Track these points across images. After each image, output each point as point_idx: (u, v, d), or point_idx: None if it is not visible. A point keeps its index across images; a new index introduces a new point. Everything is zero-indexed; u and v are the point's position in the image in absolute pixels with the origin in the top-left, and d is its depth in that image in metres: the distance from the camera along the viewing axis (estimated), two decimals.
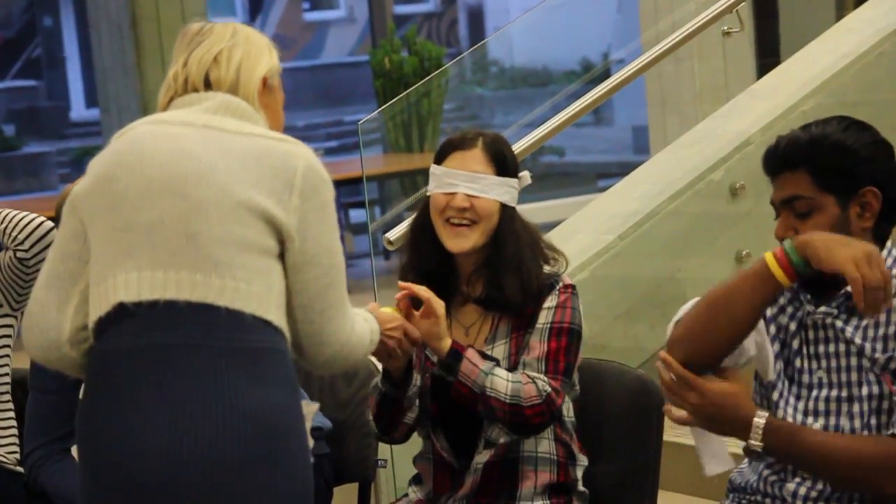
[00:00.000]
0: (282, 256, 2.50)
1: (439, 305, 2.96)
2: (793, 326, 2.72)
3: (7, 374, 3.68)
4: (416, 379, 3.07)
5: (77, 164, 17.20)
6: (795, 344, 2.71)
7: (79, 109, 19.98)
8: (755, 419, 2.58)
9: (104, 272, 2.48)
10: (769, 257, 2.52)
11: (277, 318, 2.48)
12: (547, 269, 3.09)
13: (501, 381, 2.96)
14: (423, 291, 2.96)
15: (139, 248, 2.45)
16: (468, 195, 3.04)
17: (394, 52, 10.84)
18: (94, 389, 2.49)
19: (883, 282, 2.44)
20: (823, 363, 2.67)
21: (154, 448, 2.38)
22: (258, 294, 2.45)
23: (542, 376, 2.98)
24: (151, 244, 2.44)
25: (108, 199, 2.49)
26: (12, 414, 3.68)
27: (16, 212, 3.61)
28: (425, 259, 3.13)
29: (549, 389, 2.97)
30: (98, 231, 2.51)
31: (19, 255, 3.55)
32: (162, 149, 2.49)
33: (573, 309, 3.05)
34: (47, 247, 3.54)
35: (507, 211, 3.06)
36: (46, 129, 19.01)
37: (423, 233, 3.13)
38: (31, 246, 3.55)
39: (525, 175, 3.16)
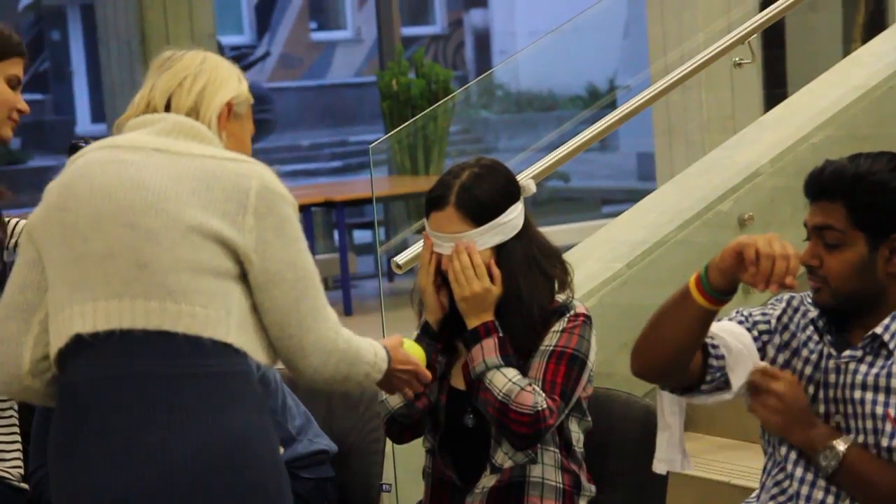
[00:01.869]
0: (244, 277, 2.48)
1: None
2: (808, 370, 2.71)
3: None
4: (425, 402, 3.07)
5: None
6: (811, 389, 2.69)
7: (84, 124, 19.99)
8: (844, 435, 2.62)
9: (61, 303, 2.48)
10: (692, 280, 2.56)
11: (238, 339, 2.46)
12: (560, 297, 3.08)
13: (502, 379, 2.97)
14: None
15: (92, 278, 2.44)
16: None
17: (401, 74, 10.84)
18: (58, 421, 2.49)
19: (784, 253, 2.46)
20: (842, 408, 2.65)
21: (114, 481, 2.38)
22: (215, 318, 2.44)
23: (542, 394, 2.97)
24: (104, 275, 2.44)
25: (60, 229, 2.49)
26: (17, 430, 3.66)
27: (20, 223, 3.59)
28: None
29: (545, 406, 2.95)
30: (53, 261, 2.51)
31: None
32: (110, 178, 2.48)
33: (580, 336, 3.04)
34: None
35: (503, 249, 3.04)
36: (52, 143, 19.01)
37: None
38: None
39: (528, 185, 3.15)
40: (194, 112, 2.59)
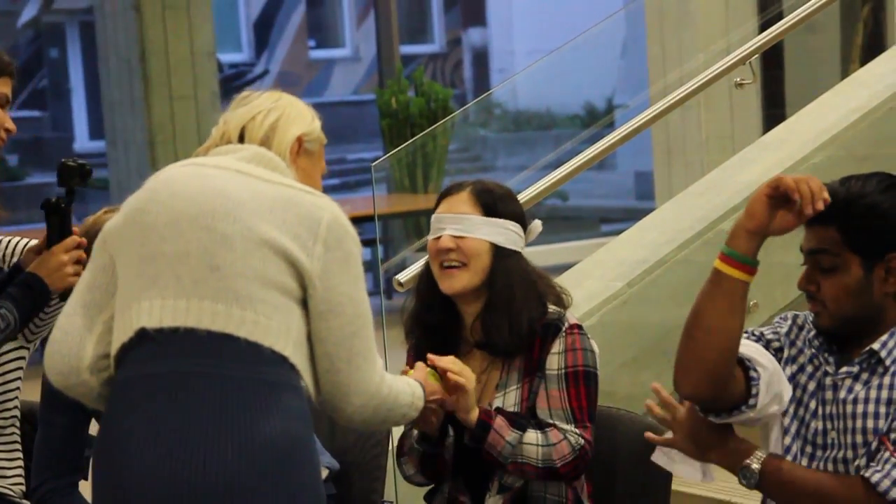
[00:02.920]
0: (304, 303, 2.53)
1: (469, 379, 2.97)
2: (811, 386, 2.72)
3: (16, 407, 3.67)
4: (451, 432, 3.08)
5: (80, 196, 17.18)
6: (813, 404, 2.70)
7: (82, 141, 19.99)
8: (757, 451, 2.64)
9: (129, 300, 2.52)
10: (717, 262, 2.58)
11: (294, 355, 2.50)
12: (552, 309, 3.09)
13: (532, 448, 2.98)
14: (450, 365, 2.96)
15: (163, 277, 2.49)
16: (453, 236, 3.06)
17: (401, 93, 10.87)
18: (113, 415, 2.51)
19: (807, 177, 2.53)
20: (837, 423, 2.66)
21: (169, 475, 2.40)
22: (277, 329, 2.48)
23: (572, 429, 2.99)
24: (175, 274, 2.49)
25: (137, 230, 2.55)
26: (19, 446, 3.67)
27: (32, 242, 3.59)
28: (429, 308, 3.16)
29: (583, 443, 2.99)
30: (125, 261, 2.56)
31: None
32: (192, 185, 2.56)
33: (584, 350, 3.06)
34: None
35: (500, 252, 3.07)
36: (50, 160, 19.00)
37: (426, 282, 3.15)
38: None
39: (535, 225, 3.17)
40: (266, 144, 2.66)
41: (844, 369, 2.67)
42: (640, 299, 4.82)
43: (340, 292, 2.53)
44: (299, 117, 2.72)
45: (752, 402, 2.64)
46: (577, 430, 3.00)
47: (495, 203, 3.10)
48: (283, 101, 2.74)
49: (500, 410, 3.02)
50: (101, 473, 2.51)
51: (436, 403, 2.91)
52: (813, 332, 2.74)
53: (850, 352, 2.69)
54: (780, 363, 2.74)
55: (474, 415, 2.98)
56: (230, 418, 2.42)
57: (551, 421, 3.01)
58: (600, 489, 3.16)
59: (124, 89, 11.12)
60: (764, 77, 7.31)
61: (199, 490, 2.39)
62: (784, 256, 5.05)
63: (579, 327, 3.08)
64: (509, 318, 3.04)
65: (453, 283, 3.07)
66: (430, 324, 3.15)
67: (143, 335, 2.48)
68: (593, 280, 4.90)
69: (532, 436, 2.98)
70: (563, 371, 3.03)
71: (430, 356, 2.97)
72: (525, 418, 3.02)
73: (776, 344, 2.76)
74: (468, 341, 3.14)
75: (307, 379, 2.54)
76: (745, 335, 2.77)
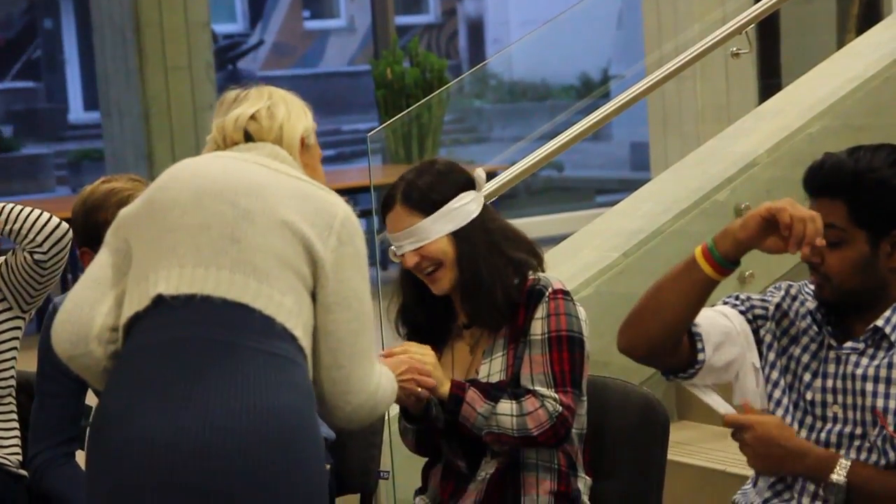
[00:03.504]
0: (313, 296, 2.55)
1: (425, 357, 2.99)
2: (805, 358, 2.72)
3: (12, 377, 3.68)
4: (436, 406, 3.08)
5: (75, 167, 17.19)
6: (807, 377, 2.70)
7: (77, 112, 19.98)
8: (841, 460, 2.60)
9: (145, 271, 2.54)
10: (697, 250, 2.59)
11: (303, 338, 2.52)
12: (535, 275, 3.08)
13: (506, 418, 2.98)
14: (400, 352, 3.00)
15: (183, 246, 2.52)
16: (413, 251, 3.05)
17: (396, 63, 10.85)
18: (122, 380, 2.52)
19: (812, 215, 2.49)
20: (840, 399, 2.66)
21: (180, 437, 2.41)
22: (290, 308, 2.50)
23: (552, 395, 2.99)
24: (195, 244, 2.51)
25: (157, 206, 2.57)
26: (15, 416, 3.67)
27: (27, 210, 3.59)
28: (413, 308, 3.16)
29: (560, 409, 2.98)
30: (143, 237, 2.57)
31: (37, 257, 3.54)
32: (214, 166, 2.60)
33: (567, 315, 3.04)
34: (65, 248, 3.57)
35: (460, 236, 3.05)
36: (45, 131, 19.00)
37: (406, 282, 3.16)
38: (50, 248, 3.55)
39: (479, 174, 3.15)
40: (278, 142, 2.69)
41: (849, 344, 2.66)
42: (635, 270, 4.82)
43: (350, 287, 2.55)
44: (298, 114, 2.74)
45: (700, 357, 2.71)
46: (557, 396, 2.99)
47: (427, 196, 3.06)
48: (275, 96, 2.74)
49: (473, 382, 3.02)
50: (107, 438, 2.50)
51: (408, 374, 2.94)
52: (809, 304, 2.74)
53: (851, 325, 2.69)
54: (760, 330, 2.76)
55: (445, 388, 2.99)
56: (243, 386, 2.44)
57: (532, 387, 3.01)
58: (596, 458, 3.16)
59: (119, 60, 11.10)
60: (760, 47, 7.28)
61: (209, 451, 2.39)
62: None
63: (564, 292, 3.07)
64: (484, 296, 3.04)
65: (440, 286, 3.08)
66: (418, 322, 3.17)
67: (158, 301, 2.50)
68: (589, 250, 4.90)
69: (506, 406, 2.98)
70: (545, 336, 3.02)
71: (384, 351, 3.02)
72: (500, 388, 3.02)
73: (759, 312, 2.77)
74: (458, 326, 3.15)
75: (307, 354, 2.55)
76: (726, 298, 2.82)
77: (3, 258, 3.65)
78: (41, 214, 3.58)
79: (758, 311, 2.78)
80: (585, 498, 3.09)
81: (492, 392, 3.00)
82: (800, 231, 2.48)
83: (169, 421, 2.41)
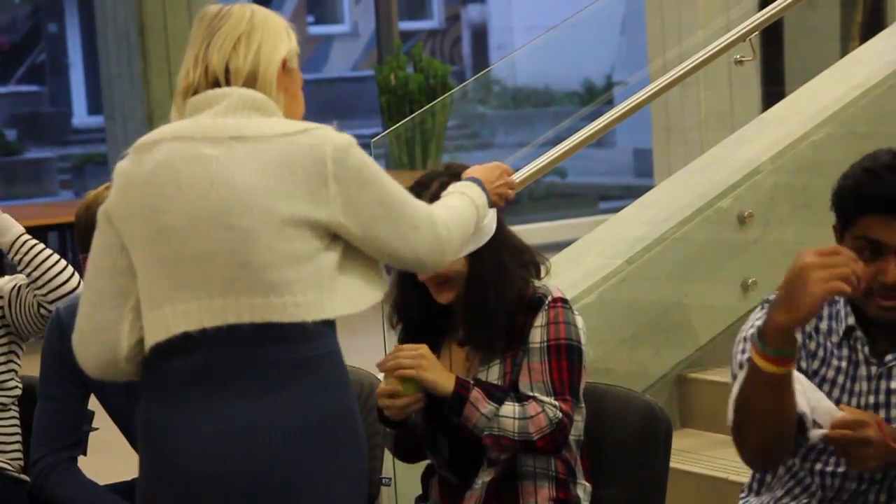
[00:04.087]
0: (334, 239, 2.56)
1: (417, 350, 2.99)
2: (840, 379, 2.67)
3: (16, 386, 3.68)
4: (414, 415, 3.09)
5: (78, 171, 17.20)
6: (836, 394, 2.66)
7: (81, 116, 19.99)
8: None
9: (158, 300, 2.52)
10: (755, 357, 2.42)
11: (335, 308, 2.54)
12: (535, 283, 3.08)
13: (508, 421, 2.97)
14: (392, 362, 2.99)
15: (193, 278, 2.50)
16: None
17: (399, 69, 10.86)
18: (152, 401, 2.56)
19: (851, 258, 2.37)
20: (883, 413, 2.62)
21: (225, 463, 2.47)
22: (314, 300, 2.51)
23: (552, 401, 2.99)
24: (205, 274, 2.49)
25: (152, 228, 2.53)
26: (17, 421, 3.68)
27: (51, 261, 3.65)
28: (408, 304, 3.14)
29: (560, 416, 2.98)
30: (144, 258, 2.55)
31: (42, 311, 3.61)
32: (198, 177, 2.52)
33: (567, 324, 3.04)
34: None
35: (475, 256, 3.02)
36: (48, 135, 19.02)
37: (404, 276, 3.13)
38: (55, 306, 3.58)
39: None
40: (252, 76, 2.60)
41: (890, 357, 2.63)
42: (638, 277, 4.82)
43: (367, 205, 2.54)
44: (278, 37, 2.64)
45: (807, 435, 2.56)
46: (556, 403, 2.98)
47: None
48: (256, 18, 2.64)
49: (478, 382, 3.01)
50: (151, 464, 2.56)
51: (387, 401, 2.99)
52: (834, 322, 2.68)
53: (875, 339, 2.65)
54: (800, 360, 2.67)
55: (450, 385, 2.98)
56: (283, 403, 2.48)
57: (531, 393, 3.01)
58: (598, 465, 3.16)
59: (123, 64, 11.11)
60: (764, 54, 7.30)
61: (251, 464, 2.46)
62: (782, 234, 5.08)
63: (563, 300, 3.06)
64: (485, 321, 3.04)
65: (446, 297, 3.07)
66: (412, 317, 3.16)
67: (185, 337, 2.50)
68: (592, 257, 4.90)
69: (509, 408, 2.98)
70: (545, 344, 3.02)
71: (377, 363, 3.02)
72: (504, 391, 3.01)
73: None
74: (455, 331, 3.14)
75: (365, 287, 2.58)
76: None
77: (15, 282, 3.68)
78: (63, 271, 3.65)
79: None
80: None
81: (496, 393, 3.00)
82: (852, 272, 2.35)
83: (205, 444, 2.48)
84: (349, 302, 2.56)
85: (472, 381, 3.01)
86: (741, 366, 2.60)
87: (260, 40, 2.62)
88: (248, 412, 2.48)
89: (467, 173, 2.92)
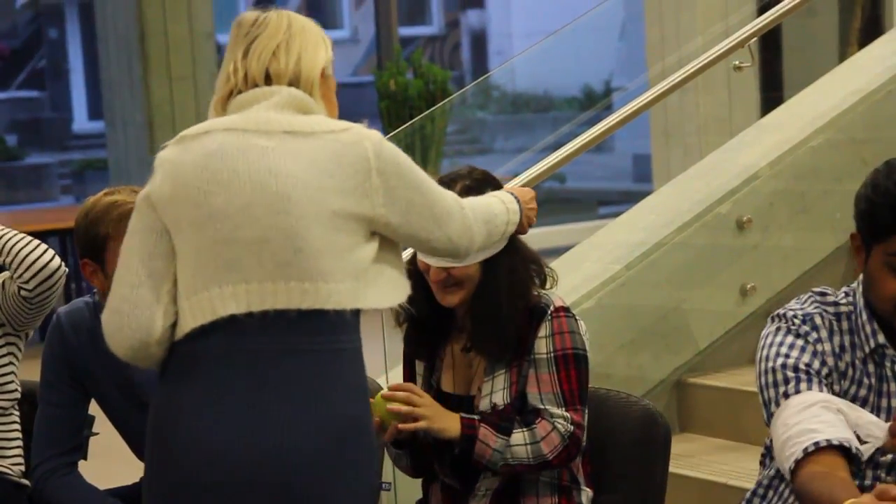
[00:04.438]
0: (373, 233, 2.62)
1: (422, 407, 2.99)
2: (872, 398, 2.62)
3: (15, 390, 3.68)
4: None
5: (79, 176, 17.20)
6: (867, 410, 2.60)
7: (81, 121, 19.99)
8: None
9: (204, 283, 2.55)
10: None
11: (368, 300, 2.60)
12: (537, 291, 3.08)
13: (521, 449, 2.98)
14: (402, 397, 2.99)
15: (244, 262, 2.54)
16: (442, 268, 3.04)
17: (399, 75, 10.85)
18: (186, 383, 2.58)
19: None
20: None
21: (246, 446, 2.50)
22: (352, 290, 2.56)
23: (561, 415, 2.99)
24: (258, 259, 2.53)
25: (203, 212, 2.56)
26: (18, 426, 3.68)
27: (23, 242, 3.57)
28: (420, 304, 3.11)
29: (572, 429, 2.99)
30: (191, 241, 2.57)
31: (23, 293, 3.55)
32: (255, 166, 2.56)
33: (572, 333, 3.04)
34: (53, 286, 3.55)
35: (489, 264, 3.03)
36: (49, 141, 19.02)
37: (415, 282, 3.13)
38: (36, 286, 3.54)
39: None
40: (295, 80, 2.66)
41: None
42: (637, 282, 4.83)
43: (405, 195, 2.61)
44: (317, 46, 2.71)
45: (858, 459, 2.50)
46: (568, 414, 2.99)
47: None
48: (294, 27, 2.70)
49: (483, 419, 3.01)
50: (173, 436, 2.57)
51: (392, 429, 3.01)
52: (862, 340, 2.61)
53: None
54: (829, 386, 2.60)
55: (455, 429, 2.98)
56: (310, 394, 2.53)
57: (541, 405, 3.01)
58: (597, 471, 3.16)
59: (123, 70, 11.12)
60: (762, 60, 7.31)
61: (277, 459, 2.50)
62: (780, 240, 5.08)
63: (566, 309, 3.07)
64: (496, 329, 3.04)
65: (451, 300, 3.07)
66: (418, 317, 3.15)
67: (231, 320, 2.53)
68: (591, 263, 4.90)
69: (519, 437, 2.99)
70: (552, 355, 3.02)
71: (383, 393, 3.00)
72: (509, 419, 3.01)
73: (825, 371, 2.61)
74: (458, 333, 3.14)
75: (398, 279, 2.67)
76: (805, 381, 2.58)
77: (2, 279, 3.65)
78: (35, 250, 3.55)
79: (824, 371, 2.61)
80: None
81: (502, 424, 3.00)
82: None
83: (238, 428, 2.50)
84: (380, 296, 2.62)
85: (477, 419, 3.01)
86: (776, 399, 2.57)
87: (300, 49, 2.68)
88: (283, 404, 2.52)
89: (505, 188, 3.00)
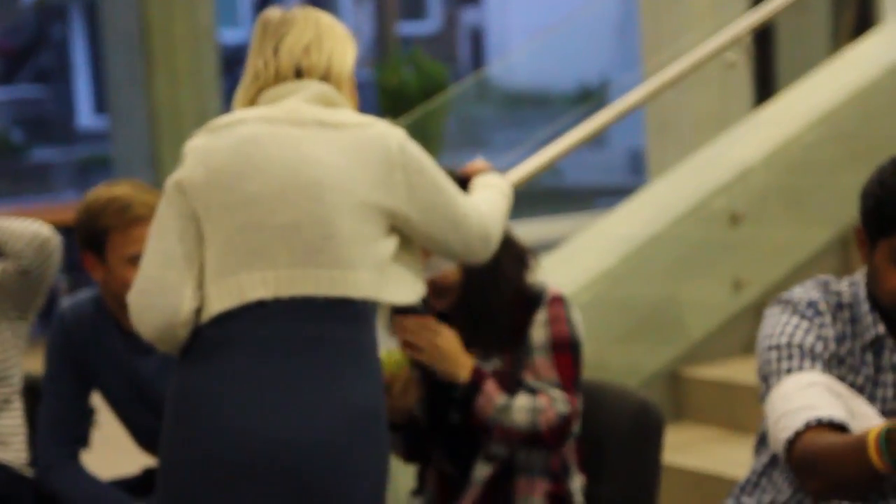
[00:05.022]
0: (393, 228, 2.66)
1: (434, 337, 3.02)
2: (868, 387, 2.62)
3: (17, 378, 3.70)
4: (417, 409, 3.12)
5: (83, 172, 17.18)
6: (873, 404, 2.59)
7: (85, 118, 19.96)
8: None
9: (232, 267, 2.58)
10: (871, 439, 2.29)
11: (386, 294, 2.64)
12: (529, 279, 3.10)
13: (521, 414, 3.00)
14: (412, 326, 3.02)
15: (274, 247, 2.57)
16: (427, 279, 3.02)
17: (398, 71, 10.88)
18: (210, 368, 2.60)
19: None
20: None
21: (272, 434, 2.52)
22: (375, 280, 2.61)
23: (561, 397, 3.02)
24: (288, 244, 2.57)
25: (235, 196, 2.59)
26: (21, 417, 3.69)
27: (10, 220, 3.54)
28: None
29: (569, 411, 3.01)
30: (220, 226, 2.60)
31: (22, 264, 3.51)
32: (289, 152, 2.60)
33: (568, 321, 3.07)
34: (49, 254, 3.52)
35: (467, 269, 3.04)
36: (53, 137, 18.99)
37: None
38: (32, 255, 3.49)
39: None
40: (326, 76, 2.71)
41: None
42: (632, 275, 4.85)
43: (426, 193, 2.65)
44: (346, 44, 2.76)
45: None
46: (566, 399, 3.02)
47: None
48: (322, 25, 2.74)
49: (494, 374, 3.03)
50: (196, 423, 2.58)
51: (400, 386, 3.02)
52: (862, 329, 2.62)
53: None
54: (830, 371, 2.60)
55: (462, 376, 3.00)
56: (331, 381, 2.56)
57: (539, 385, 3.03)
58: (591, 461, 3.18)
59: (126, 67, 11.09)
60: (756, 55, 7.34)
61: (294, 445, 2.52)
62: (773, 233, 5.11)
63: (561, 298, 3.09)
64: (489, 327, 3.06)
65: (439, 304, 3.08)
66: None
67: (261, 305, 2.56)
68: (586, 256, 4.93)
69: (522, 401, 3.00)
70: (549, 342, 3.05)
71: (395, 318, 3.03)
72: (517, 382, 3.03)
73: (827, 355, 2.60)
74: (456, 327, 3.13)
75: (412, 277, 2.70)
76: (808, 361, 2.58)
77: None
78: (24, 223, 3.52)
79: (826, 356, 2.61)
80: (579, 497, 3.12)
81: (510, 386, 3.02)
82: None
83: (259, 413, 2.53)
84: (397, 291, 2.66)
85: (486, 371, 3.02)
86: (778, 374, 2.56)
87: (331, 47, 2.73)
88: (304, 391, 2.55)
89: (475, 170, 3.00)
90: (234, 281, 2.58)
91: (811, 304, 2.64)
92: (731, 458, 4.40)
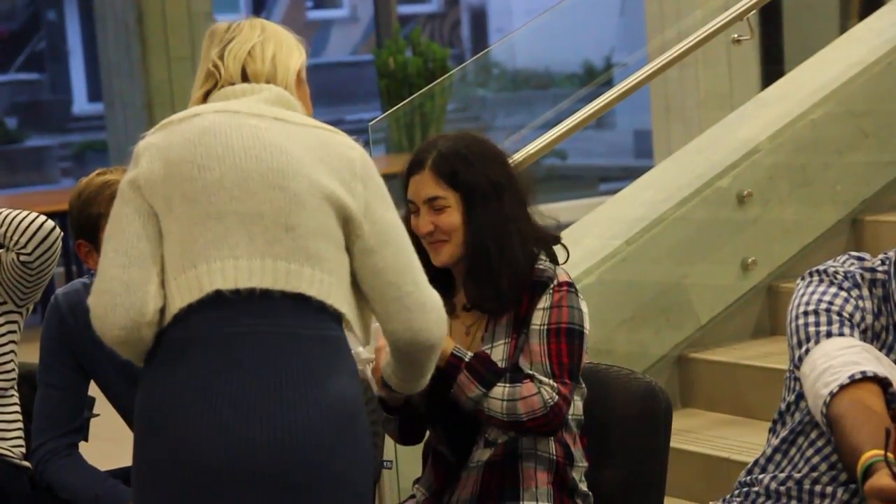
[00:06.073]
0: (348, 249, 2.57)
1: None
2: (892, 358, 2.56)
3: (13, 370, 3.69)
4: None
5: (79, 158, 17.21)
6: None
7: (81, 103, 19.96)
8: None
9: (192, 259, 2.51)
10: (861, 460, 2.18)
11: (347, 311, 2.57)
12: (542, 265, 3.07)
13: (497, 403, 2.97)
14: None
15: (234, 236, 2.50)
16: (428, 216, 3.03)
17: (398, 53, 10.85)
18: (177, 369, 2.52)
19: None
20: None
21: (246, 432, 2.45)
22: (337, 287, 2.54)
23: (550, 383, 2.98)
24: (248, 233, 2.50)
25: (195, 186, 2.52)
26: (18, 408, 3.68)
27: (15, 212, 3.59)
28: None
29: (556, 399, 2.97)
30: (181, 218, 2.53)
31: (22, 258, 3.55)
32: (250, 140, 2.55)
33: (570, 308, 3.03)
34: (51, 248, 3.56)
35: (474, 219, 3.03)
36: (49, 123, 19.02)
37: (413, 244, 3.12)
38: (34, 249, 3.55)
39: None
40: (272, 80, 2.67)
41: None
42: (638, 257, 4.83)
43: (386, 222, 2.58)
44: (290, 48, 2.73)
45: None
46: (555, 385, 2.98)
47: (458, 173, 3.03)
48: (268, 30, 2.73)
49: (472, 363, 2.99)
50: (167, 426, 2.51)
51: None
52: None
53: None
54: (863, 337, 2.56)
55: (440, 362, 2.93)
56: (306, 377, 2.49)
57: (531, 372, 3.00)
58: (599, 446, 3.16)
59: (122, 51, 11.11)
60: (762, 33, 7.29)
61: (280, 446, 2.45)
62: (781, 213, 5.08)
63: (569, 284, 3.06)
64: (490, 282, 3.03)
65: (439, 257, 3.06)
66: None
67: (216, 297, 2.49)
68: (592, 238, 4.90)
69: (498, 391, 2.98)
70: (545, 326, 3.01)
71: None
72: (498, 374, 3.00)
73: (863, 326, 2.56)
74: (460, 300, 3.13)
75: (360, 322, 2.61)
76: (847, 326, 2.54)
77: None
78: (27, 216, 3.57)
79: (862, 326, 2.57)
80: (583, 486, 3.09)
81: (487, 377, 2.99)
82: None
83: (237, 416, 2.45)
84: (348, 306, 2.58)
85: (466, 360, 3.00)
86: (817, 336, 2.51)
87: (274, 49, 2.70)
88: (271, 389, 2.47)
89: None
90: (194, 274, 2.51)
91: (848, 276, 2.60)
92: (740, 443, 4.39)
